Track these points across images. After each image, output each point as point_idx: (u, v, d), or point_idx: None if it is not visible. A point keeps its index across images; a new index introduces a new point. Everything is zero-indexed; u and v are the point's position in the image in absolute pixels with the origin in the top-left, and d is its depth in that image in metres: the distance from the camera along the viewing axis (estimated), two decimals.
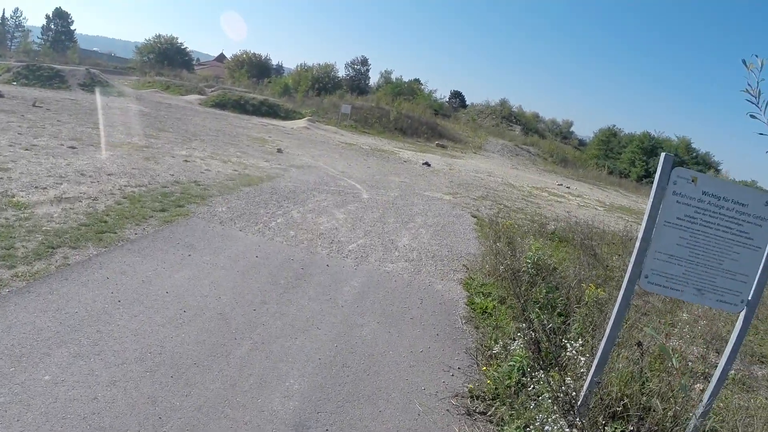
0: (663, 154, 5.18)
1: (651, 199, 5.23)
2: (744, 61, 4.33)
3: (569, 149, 75.42)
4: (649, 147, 69.08)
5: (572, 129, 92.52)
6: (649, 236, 5.29)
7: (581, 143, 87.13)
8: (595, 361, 5.57)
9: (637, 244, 5.34)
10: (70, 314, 7.12)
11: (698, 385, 6.51)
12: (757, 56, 4.21)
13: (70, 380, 5.76)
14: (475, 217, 19.28)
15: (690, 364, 7.88)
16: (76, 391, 5.61)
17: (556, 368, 6.48)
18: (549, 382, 6.15)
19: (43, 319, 6.88)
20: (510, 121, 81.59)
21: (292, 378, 6.71)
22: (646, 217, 5.28)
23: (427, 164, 32.51)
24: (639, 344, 6.38)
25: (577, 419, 5.24)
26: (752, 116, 3.25)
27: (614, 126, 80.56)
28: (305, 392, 6.47)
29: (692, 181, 5.24)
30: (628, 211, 33.61)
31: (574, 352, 6.69)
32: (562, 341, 7.15)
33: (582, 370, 6.35)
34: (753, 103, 3.94)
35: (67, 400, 5.44)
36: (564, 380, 6.04)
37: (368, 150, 36.27)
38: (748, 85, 4.26)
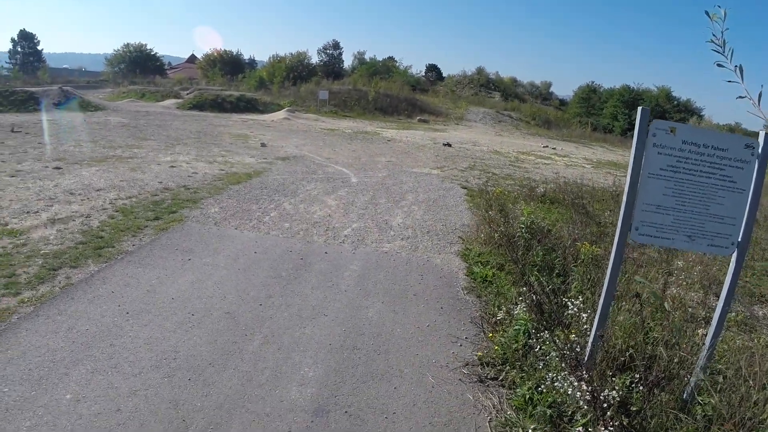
0: (639, 108, 5.31)
1: (633, 153, 5.37)
2: (707, 12, 4.45)
3: (551, 110, 75.36)
4: (630, 100, 69.00)
5: (551, 90, 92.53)
6: (634, 189, 5.42)
7: (562, 103, 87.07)
8: (597, 316, 5.73)
9: (624, 198, 5.48)
10: (81, 332, 7.22)
11: (700, 330, 6.67)
12: (719, 6, 4.33)
13: (92, 396, 5.87)
14: (465, 188, 19.40)
15: (690, 309, 8.06)
16: (99, 405, 5.71)
17: (560, 327, 6.62)
18: (554, 341, 6.31)
19: (56, 340, 6.97)
20: (488, 88, 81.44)
21: (306, 366, 6.87)
22: (630, 171, 5.41)
23: (448, 144, 32.33)
24: (637, 295, 6.53)
25: (585, 373, 5.39)
26: (719, 65, 3.38)
27: (593, 82, 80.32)
28: (320, 378, 6.62)
29: (671, 131, 5.37)
30: (616, 165, 33.75)
31: (575, 309, 6.84)
32: (563, 300, 7.29)
33: (585, 326, 6.51)
34: (719, 53, 4.08)
35: (91, 415, 5.54)
36: (569, 338, 6.20)
37: (351, 134, 36.30)
38: (713, 35, 4.39)
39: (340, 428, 5.71)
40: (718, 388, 5.29)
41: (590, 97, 76.68)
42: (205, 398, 6.04)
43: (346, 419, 5.88)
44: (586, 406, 5.39)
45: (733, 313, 8.30)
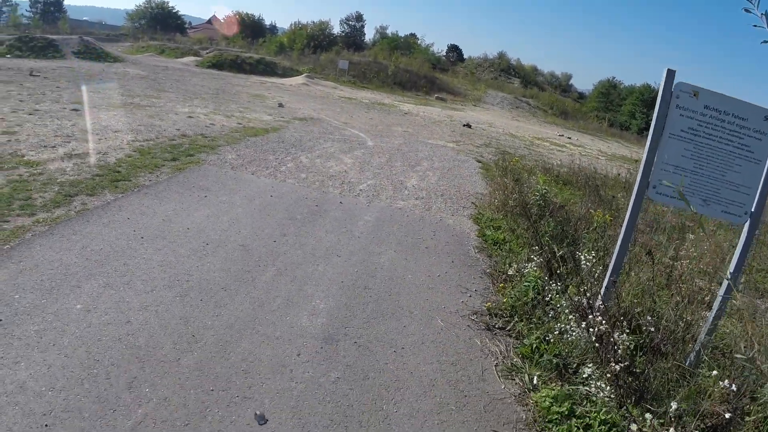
0: (666, 69, 5.34)
1: (656, 111, 5.42)
2: None
3: (569, 102, 74.80)
4: (650, 99, 68.08)
5: (571, 82, 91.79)
6: (655, 147, 5.47)
7: (581, 96, 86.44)
8: (612, 262, 5.80)
9: (644, 156, 5.53)
10: (95, 251, 7.32)
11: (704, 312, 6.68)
12: None
13: (102, 307, 5.97)
14: (479, 162, 19.44)
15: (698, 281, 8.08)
16: (109, 316, 5.82)
17: (573, 278, 6.68)
18: (566, 291, 6.38)
19: (70, 256, 7.06)
20: (509, 74, 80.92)
21: (317, 299, 6.98)
22: (651, 130, 5.46)
23: (468, 125, 32.09)
24: (649, 252, 6.58)
25: (598, 315, 5.44)
26: (746, 10, 3.39)
27: (614, 78, 79.51)
28: (331, 311, 6.73)
29: (694, 95, 5.41)
30: (630, 160, 33.56)
31: (587, 264, 6.90)
32: (576, 255, 7.34)
33: (596, 280, 6.56)
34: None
35: (100, 324, 5.65)
36: (580, 288, 6.26)
37: (368, 103, 36.26)
38: None
39: (348, 356, 5.81)
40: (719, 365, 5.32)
41: (609, 93, 76.06)
42: (216, 318, 6.15)
43: (355, 349, 5.98)
44: (592, 353, 5.46)
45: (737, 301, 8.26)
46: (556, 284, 7.07)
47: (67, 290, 6.20)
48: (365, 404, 5.04)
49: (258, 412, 4.69)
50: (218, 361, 5.38)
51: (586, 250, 8.22)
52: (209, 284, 6.89)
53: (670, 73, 5.28)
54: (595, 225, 8.93)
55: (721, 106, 5.41)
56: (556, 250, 7.69)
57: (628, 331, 5.59)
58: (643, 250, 7.27)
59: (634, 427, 4.43)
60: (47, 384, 4.64)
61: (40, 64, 30.92)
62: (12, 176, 9.60)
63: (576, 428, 4.78)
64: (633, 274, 6.78)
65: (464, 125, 31.88)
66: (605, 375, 5.16)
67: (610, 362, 5.11)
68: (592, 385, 5.29)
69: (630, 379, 5.07)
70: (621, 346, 5.20)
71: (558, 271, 7.25)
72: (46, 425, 4.16)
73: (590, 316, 5.59)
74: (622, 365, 5.00)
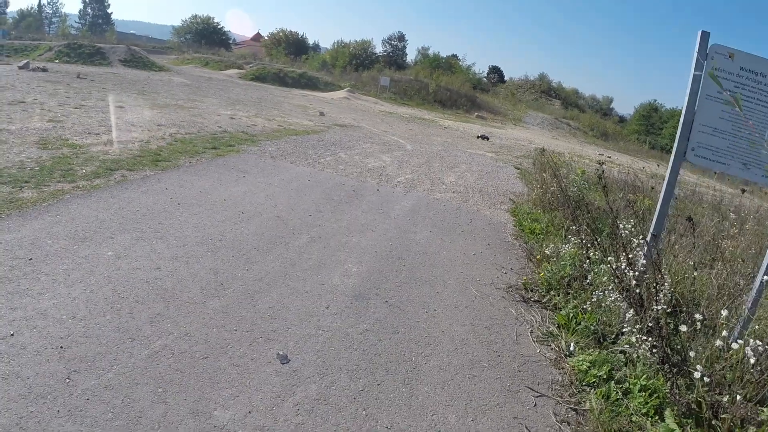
0: (699, 31, 5.20)
1: (692, 73, 5.25)
2: None
3: (610, 124, 74.13)
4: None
5: (612, 105, 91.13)
6: (692, 110, 5.31)
7: (621, 120, 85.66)
8: (654, 219, 5.62)
9: (682, 119, 5.38)
10: (131, 211, 7.38)
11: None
12: None
13: (133, 255, 6.02)
14: (517, 168, 19.28)
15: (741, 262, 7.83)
16: (139, 263, 5.86)
17: (613, 246, 6.49)
18: (605, 257, 6.20)
19: (106, 214, 7.14)
20: (549, 95, 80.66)
21: (350, 263, 6.89)
22: (687, 92, 5.30)
23: (485, 137, 31.68)
24: (689, 219, 6.39)
25: (646, 273, 5.26)
26: None
27: (655, 101, 78.65)
28: (363, 274, 6.63)
29: (729, 56, 5.24)
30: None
31: (626, 232, 6.69)
32: (616, 223, 7.10)
33: (636, 251, 6.36)
34: None
35: (130, 269, 5.68)
36: (619, 254, 6.07)
37: (409, 117, 36.29)
38: None
39: (379, 312, 5.70)
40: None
41: (651, 116, 75.18)
42: (246, 272, 6.11)
43: (386, 307, 5.86)
44: (632, 312, 5.27)
45: None
46: (595, 253, 6.89)
47: (99, 240, 6.27)
48: (393, 355, 4.92)
49: (281, 353, 4.59)
50: (245, 306, 5.31)
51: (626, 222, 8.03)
52: (242, 244, 6.87)
53: (705, 35, 5.15)
54: (635, 209, 8.71)
55: (757, 68, 5.24)
56: (594, 230, 7.49)
57: (668, 297, 5.38)
58: (683, 216, 7.06)
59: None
60: (68, 313, 4.64)
61: (87, 69, 31.55)
62: (56, 154, 9.72)
63: (615, 392, 4.59)
64: (674, 243, 6.56)
65: (479, 137, 31.36)
66: (646, 340, 4.95)
67: (650, 328, 4.91)
68: (633, 351, 5.08)
69: (669, 350, 4.86)
70: (660, 311, 5.00)
71: (597, 240, 7.04)
72: (62, 347, 4.16)
73: (629, 274, 5.41)
74: (663, 332, 4.81)
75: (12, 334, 4.19)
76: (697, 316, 4.71)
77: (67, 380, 3.78)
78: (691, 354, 4.32)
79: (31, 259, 5.52)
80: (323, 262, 6.74)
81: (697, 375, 4.09)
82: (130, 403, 3.66)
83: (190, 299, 5.27)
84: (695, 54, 5.18)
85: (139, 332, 4.52)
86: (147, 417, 3.57)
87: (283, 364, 4.44)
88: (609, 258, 6.22)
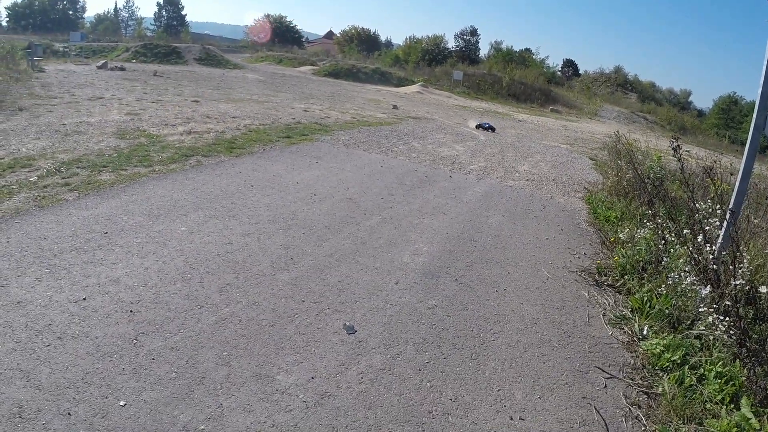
0: None
1: None
2: None
3: (688, 118, 71.88)
4: None
5: (690, 99, 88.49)
6: None
7: (700, 114, 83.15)
8: (733, 197, 5.43)
9: (759, 90, 5.14)
10: (205, 192, 7.53)
11: None
12: None
13: (206, 231, 6.17)
14: (592, 159, 18.88)
15: None
16: (211, 238, 5.99)
17: (690, 228, 6.27)
18: (681, 236, 6.00)
19: (180, 194, 7.32)
20: (625, 89, 78.90)
21: (420, 243, 6.85)
22: (765, 62, 5.06)
23: (488, 127, 31.38)
24: None
25: (724, 250, 5.06)
26: None
27: (735, 93, 75.89)
28: (434, 253, 6.58)
29: None
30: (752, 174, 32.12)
31: (704, 213, 6.45)
32: (693, 206, 6.87)
33: (716, 233, 6.13)
34: None
35: (202, 243, 5.82)
36: (695, 233, 5.86)
37: (482, 111, 35.97)
38: None
39: (448, 289, 5.64)
40: None
41: (731, 109, 72.51)
42: (317, 248, 6.15)
43: (455, 284, 5.80)
44: (709, 289, 5.08)
45: None
46: (671, 235, 6.68)
47: (173, 217, 6.44)
48: (461, 330, 4.85)
49: (347, 323, 4.58)
50: (314, 280, 5.33)
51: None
52: (313, 223, 6.94)
53: None
54: (713, 194, 8.41)
55: None
56: (672, 217, 7.26)
57: (746, 276, 5.17)
58: (762, 196, 6.79)
59: None
60: (140, 281, 4.76)
61: (163, 67, 32.32)
62: (133, 143, 10.04)
63: (689, 377, 4.41)
64: (754, 228, 6.31)
65: (478, 126, 31.00)
66: (723, 321, 4.75)
67: (727, 308, 4.71)
68: (709, 333, 4.89)
69: (746, 329, 4.65)
70: (739, 287, 4.78)
71: (674, 223, 6.81)
72: (131, 311, 4.26)
73: (706, 249, 5.21)
74: (741, 312, 4.61)
75: (84, 298, 4.32)
76: None
77: (134, 341, 3.85)
78: None
79: (106, 233, 5.71)
80: (394, 241, 6.71)
81: None
82: (194, 365, 3.70)
83: (260, 272, 5.32)
84: None
85: (208, 300, 4.58)
86: (210, 378, 3.60)
87: (349, 334, 4.42)
88: (685, 231, 6.03)
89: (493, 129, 20.36)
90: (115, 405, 3.23)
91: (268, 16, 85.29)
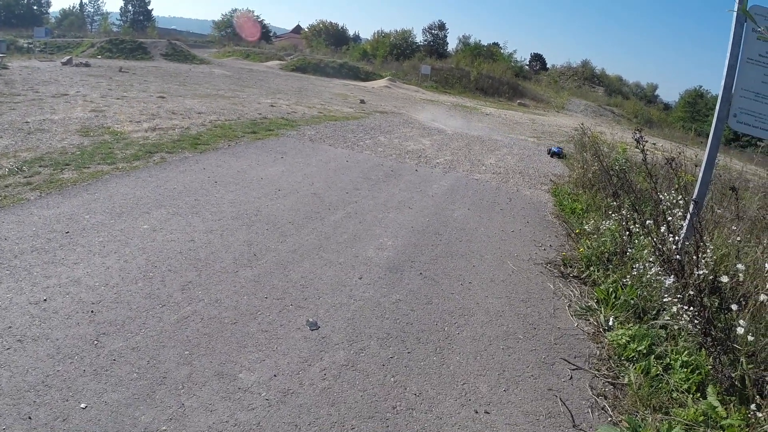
0: None
1: (731, 35, 5.08)
2: None
3: (654, 111, 72.53)
4: None
5: (657, 93, 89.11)
6: (733, 74, 5.13)
7: (666, 107, 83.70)
8: (696, 188, 5.50)
9: (722, 82, 5.20)
10: (168, 189, 7.49)
11: None
12: None
13: (168, 229, 6.14)
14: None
15: None
16: (174, 235, 5.97)
17: (654, 219, 6.34)
18: (646, 227, 6.06)
19: (143, 191, 7.28)
20: (593, 82, 79.36)
21: (385, 237, 6.87)
22: (728, 55, 5.12)
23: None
24: (732, 189, 6.24)
25: (688, 241, 5.12)
26: None
27: (701, 87, 76.54)
28: (399, 248, 6.60)
29: None
30: (716, 165, 32.50)
31: (668, 204, 6.52)
32: (657, 197, 6.94)
33: (679, 223, 6.20)
34: None
35: (164, 241, 5.80)
36: (661, 223, 5.92)
37: (450, 105, 36.03)
38: None
39: (413, 284, 5.66)
40: None
41: (696, 102, 73.19)
42: (280, 244, 6.15)
43: (420, 278, 5.82)
44: (673, 279, 5.12)
45: None
46: (635, 226, 6.75)
47: (136, 215, 6.40)
48: (426, 324, 4.87)
49: (310, 320, 4.59)
50: (277, 276, 5.33)
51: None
52: (277, 219, 6.94)
53: None
54: (677, 186, 8.51)
55: None
56: (636, 210, 7.32)
57: (710, 265, 5.23)
58: (726, 187, 6.88)
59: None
60: (101, 281, 4.72)
61: (129, 63, 32.06)
62: (97, 141, 9.96)
63: (655, 367, 4.46)
64: (718, 218, 6.39)
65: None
66: (687, 310, 4.80)
67: (691, 298, 4.76)
68: (674, 323, 4.94)
69: (711, 318, 4.70)
70: (702, 276, 4.84)
71: (638, 215, 6.88)
72: (92, 312, 4.23)
73: (669, 239, 5.27)
74: (705, 302, 4.66)
75: (45, 300, 4.28)
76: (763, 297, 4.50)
77: (95, 342, 3.83)
78: (739, 330, 4.13)
79: (68, 232, 5.66)
80: (358, 236, 6.73)
81: (740, 331, 3.96)
82: (156, 365, 3.69)
83: (222, 269, 5.31)
84: (734, 15, 5.01)
85: (170, 299, 4.57)
86: (171, 377, 3.59)
87: (312, 330, 4.43)
88: (648, 222, 6.10)
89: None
90: (76, 408, 3.20)
91: (235, 10, 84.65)
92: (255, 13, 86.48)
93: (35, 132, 10.07)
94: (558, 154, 16.90)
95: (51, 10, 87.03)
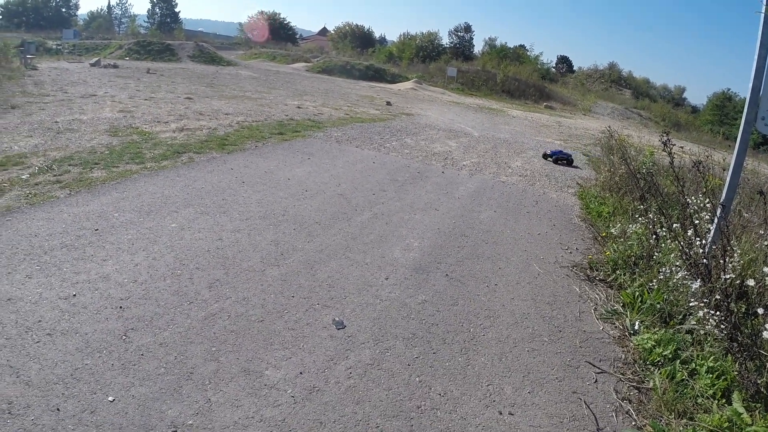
0: None
1: (759, 38, 5.02)
2: None
3: (682, 114, 71.81)
4: None
5: (685, 95, 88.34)
6: (761, 76, 5.08)
7: (694, 110, 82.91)
8: (725, 191, 5.44)
9: (750, 84, 5.14)
10: (196, 188, 7.56)
11: None
12: None
13: (196, 227, 6.19)
14: (586, 155, 18.90)
15: None
16: (201, 234, 6.03)
17: (682, 224, 6.29)
18: (673, 230, 6.01)
19: (171, 190, 7.35)
20: (620, 85, 78.76)
21: (411, 238, 6.88)
22: (755, 58, 5.06)
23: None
24: (761, 193, 6.17)
25: (715, 244, 5.07)
26: None
27: (729, 90, 75.62)
28: (425, 249, 6.61)
29: None
30: (744, 169, 32.15)
31: (695, 207, 6.48)
32: (684, 200, 6.89)
33: (707, 226, 6.15)
34: None
35: (192, 239, 5.85)
36: (686, 227, 5.88)
37: (476, 107, 35.95)
38: None
39: (438, 285, 5.66)
40: None
41: (725, 105, 72.21)
42: (307, 243, 6.18)
43: (446, 280, 5.82)
44: (700, 283, 5.08)
45: None
46: (662, 230, 6.70)
47: (164, 213, 6.47)
48: (451, 325, 4.86)
49: (337, 319, 4.60)
50: (304, 275, 5.36)
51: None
52: (304, 219, 6.97)
53: None
54: (705, 189, 8.43)
55: None
56: (665, 207, 7.27)
57: (737, 270, 5.18)
58: (754, 191, 6.80)
59: None
60: (130, 277, 4.78)
61: (156, 65, 32.33)
62: (125, 140, 10.08)
63: (680, 372, 4.42)
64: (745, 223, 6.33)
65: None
66: (713, 315, 4.76)
67: (718, 302, 4.72)
68: (700, 328, 4.90)
69: (737, 323, 4.65)
70: (729, 280, 4.80)
71: (665, 218, 6.83)
72: (121, 307, 4.28)
73: (697, 243, 5.23)
74: (731, 306, 4.62)
75: (74, 295, 4.34)
76: None
77: (124, 337, 3.87)
78: (766, 335, 4.08)
79: (97, 229, 5.74)
80: (385, 237, 6.74)
81: (766, 336, 3.91)
82: (183, 360, 3.72)
83: (249, 267, 5.35)
84: (763, 12, 4.95)
85: (198, 296, 4.60)
86: (198, 373, 3.61)
87: (338, 329, 4.44)
88: (675, 226, 6.05)
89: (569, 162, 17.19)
90: (103, 400, 3.24)
91: (262, 13, 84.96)
92: (281, 15, 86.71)
93: (64, 132, 10.20)
94: (564, 159, 15.37)
95: (79, 12, 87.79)
